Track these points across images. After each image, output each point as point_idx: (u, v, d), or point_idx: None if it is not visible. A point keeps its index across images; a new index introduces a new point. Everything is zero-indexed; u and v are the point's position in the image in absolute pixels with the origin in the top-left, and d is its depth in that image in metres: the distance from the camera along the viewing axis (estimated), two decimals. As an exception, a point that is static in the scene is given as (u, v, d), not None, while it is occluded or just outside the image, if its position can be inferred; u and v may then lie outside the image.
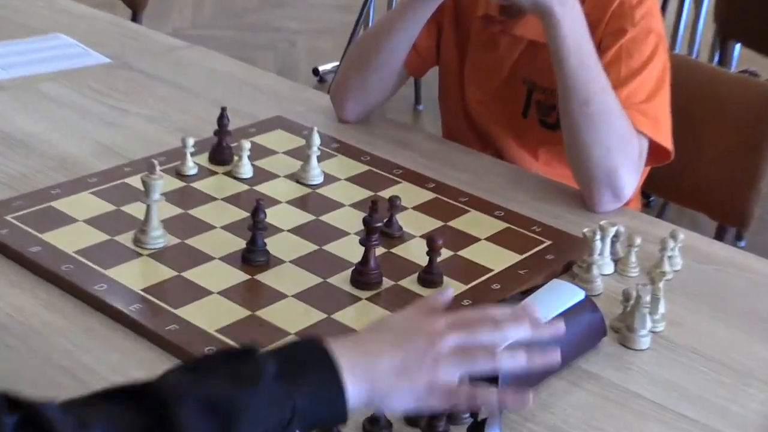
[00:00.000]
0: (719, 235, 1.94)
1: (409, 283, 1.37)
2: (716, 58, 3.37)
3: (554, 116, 1.73)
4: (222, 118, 1.65)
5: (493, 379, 1.05)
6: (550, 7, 1.52)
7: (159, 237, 1.39)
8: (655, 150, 1.63)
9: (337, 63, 3.98)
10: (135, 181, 1.55)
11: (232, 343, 1.22)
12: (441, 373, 0.94)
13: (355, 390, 0.91)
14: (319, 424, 0.93)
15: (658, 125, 1.61)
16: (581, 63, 1.53)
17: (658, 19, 1.67)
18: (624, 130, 1.56)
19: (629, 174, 1.57)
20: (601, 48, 1.63)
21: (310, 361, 0.90)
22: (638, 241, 1.44)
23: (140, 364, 1.20)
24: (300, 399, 0.87)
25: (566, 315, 1.21)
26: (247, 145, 1.63)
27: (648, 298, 1.28)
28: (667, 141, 1.63)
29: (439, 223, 1.52)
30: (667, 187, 1.99)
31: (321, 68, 4.36)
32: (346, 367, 0.91)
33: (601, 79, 1.55)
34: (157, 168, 1.38)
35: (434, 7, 1.70)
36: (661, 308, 1.34)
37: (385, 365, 0.93)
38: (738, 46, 3.25)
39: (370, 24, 4.00)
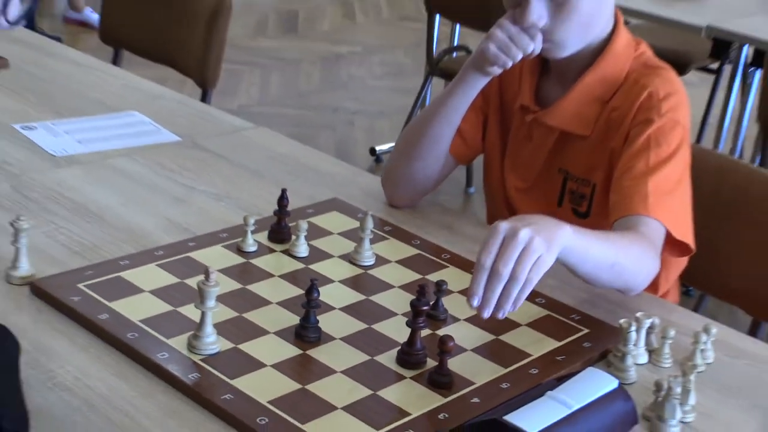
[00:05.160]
0: (753, 330, 1.95)
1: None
2: (757, 160, 3.38)
3: (585, 205, 1.75)
4: (282, 199, 1.69)
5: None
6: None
7: (212, 343, 1.36)
8: (677, 243, 1.64)
9: (393, 143, 4.05)
10: (199, 255, 1.60)
11: (282, 414, 1.25)
12: None
13: None
14: None
15: (677, 219, 1.62)
16: (597, 264, 1.48)
17: (685, 113, 1.69)
18: (649, 264, 1.56)
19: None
20: (629, 138, 1.66)
21: None
22: (672, 333, 1.47)
23: (196, 430, 1.25)
24: None
25: (599, 403, 1.26)
26: (304, 225, 1.65)
27: (679, 390, 1.31)
28: (686, 236, 1.63)
29: (483, 309, 1.51)
30: (704, 280, 2.00)
31: (378, 148, 4.46)
32: None
33: (616, 246, 1.50)
34: (213, 276, 1.33)
35: (473, 95, 1.73)
36: (692, 400, 1.37)
37: None
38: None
39: (427, 107, 4.04)
